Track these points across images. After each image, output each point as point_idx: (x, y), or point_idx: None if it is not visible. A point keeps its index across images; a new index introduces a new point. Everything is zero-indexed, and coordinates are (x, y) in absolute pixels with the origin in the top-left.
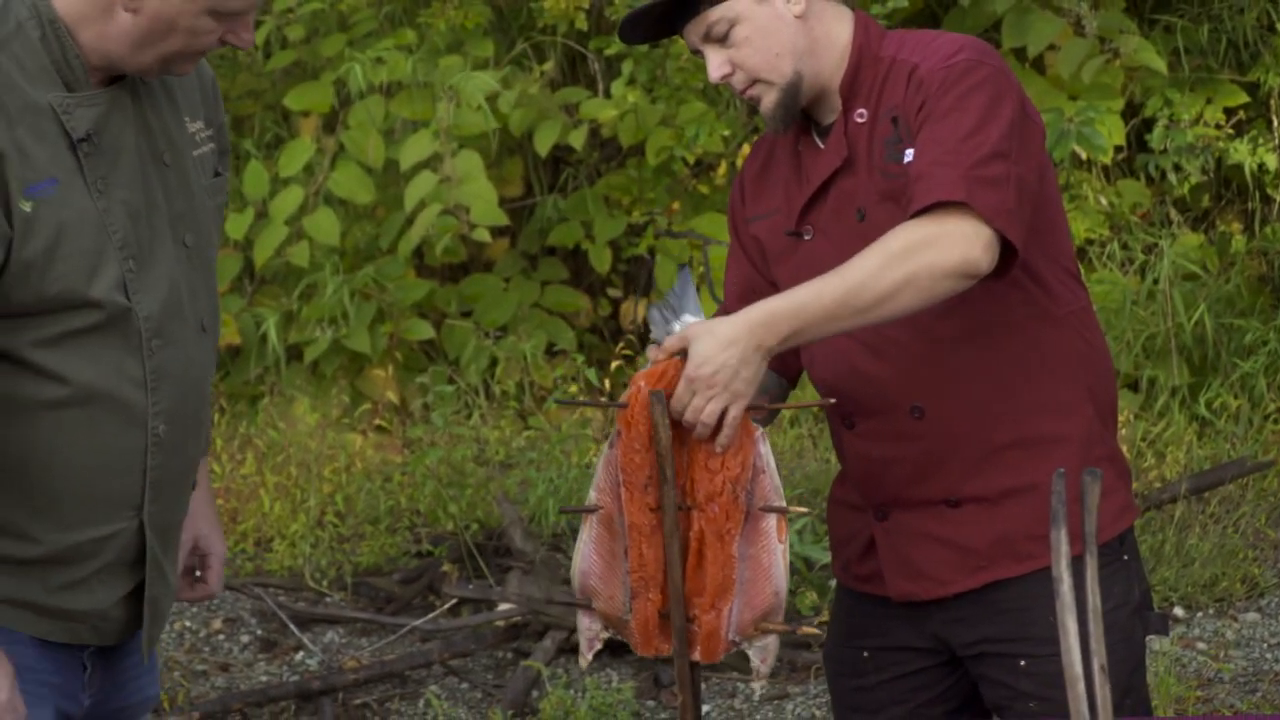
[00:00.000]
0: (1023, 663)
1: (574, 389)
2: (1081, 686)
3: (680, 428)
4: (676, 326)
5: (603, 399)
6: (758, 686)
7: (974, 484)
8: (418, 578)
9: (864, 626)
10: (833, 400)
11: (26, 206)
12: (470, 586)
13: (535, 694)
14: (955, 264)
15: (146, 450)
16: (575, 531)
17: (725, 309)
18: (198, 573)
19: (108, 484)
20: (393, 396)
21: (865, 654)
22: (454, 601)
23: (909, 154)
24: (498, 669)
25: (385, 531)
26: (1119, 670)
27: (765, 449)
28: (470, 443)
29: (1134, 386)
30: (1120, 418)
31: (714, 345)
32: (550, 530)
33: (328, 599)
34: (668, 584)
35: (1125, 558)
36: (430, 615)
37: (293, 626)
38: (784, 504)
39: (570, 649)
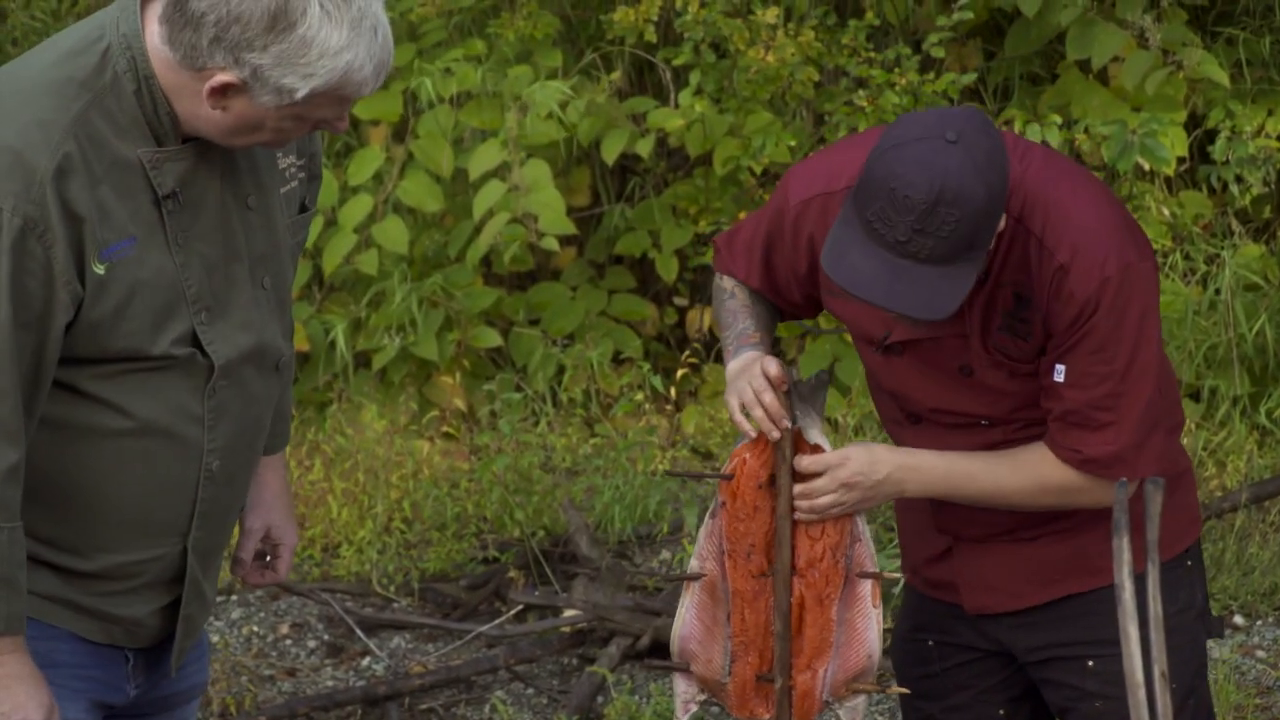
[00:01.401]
0: (1090, 663)
1: (640, 396)
2: (1142, 693)
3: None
4: (803, 406)
5: (708, 470)
6: None
7: (1043, 514)
8: (484, 584)
9: (930, 622)
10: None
11: (100, 269)
12: (536, 593)
13: (600, 700)
14: (1093, 503)
15: (199, 484)
16: (641, 539)
17: (730, 267)
18: (268, 558)
19: (159, 513)
20: (460, 403)
21: (930, 643)
22: (520, 607)
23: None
24: (563, 675)
25: (452, 538)
26: (1183, 673)
27: (861, 519)
28: (537, 450)
29: (1195, 396)
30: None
31: (873, 467)
32: (616, 537)
33: (394, 604)
34: (768, 646)
35: (1189, 563)
36: (496, 621)
37: (359, 632)
38: (879, 570)
39: (635, 655)
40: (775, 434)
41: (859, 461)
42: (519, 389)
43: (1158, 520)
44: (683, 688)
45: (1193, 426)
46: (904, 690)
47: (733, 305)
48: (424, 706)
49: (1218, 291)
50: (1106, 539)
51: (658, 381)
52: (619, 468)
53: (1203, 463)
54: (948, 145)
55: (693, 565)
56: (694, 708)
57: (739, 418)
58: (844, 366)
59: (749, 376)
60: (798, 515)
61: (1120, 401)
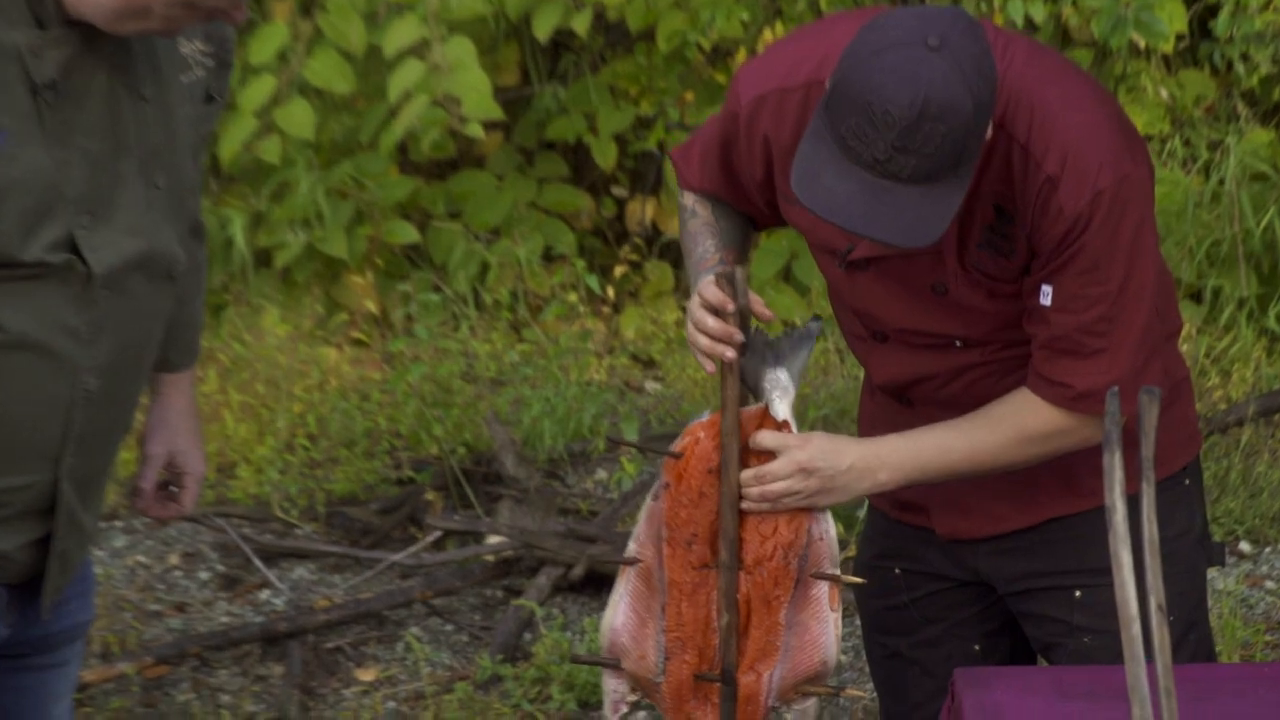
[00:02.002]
0: (1078, 594)
1: (573, 298)
2: (1137, 627)
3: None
4: (774, 373)
5: (652, 444)
6: None
7: None
8: (397, 507)
9: (897, 548)
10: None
11: None
12: (456, 517)
13: (527, 637)
14: (1082, 444)
15: (74, 405)
16: (575, 457)
17: (687, 178)
18: (172, 489)
19: (27, 436)
20: (372, 306)
21: (897, 571)
22: (438, 534)
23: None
24: (486, 609)
25: (362, 456)
26: (1182, 605)
27: (826, 516)
28: (457, 357)
29: (1196, 297)
30: (1181, 332)
31: (837, 455)
32: (546, 455)
33: (297, 531)
34: (708, 644)
35: (1188, 483)
36: (411, 549)
37: (257, 562)
38: (838, 572)
39: (567, 586)
40: (708, 367)
41: (821, 447)
42: (438, 290)
43: (1153, 435)
44: (613, 685)
45: (1193, 331)
46: (859, 694)
47: (694, 226)
48: (330, 645)
49: (1221, 181)
50: (1096, 456)
51: (593, 281)
52: (549, 377)
53: (1204, 371)
54: (930, 53)
55: (630, 549)
56: (625, 709)
57: (699, 359)
58: (802, 264)
59: (692, 305)
60: (745, 504)
61: (1114, 326)
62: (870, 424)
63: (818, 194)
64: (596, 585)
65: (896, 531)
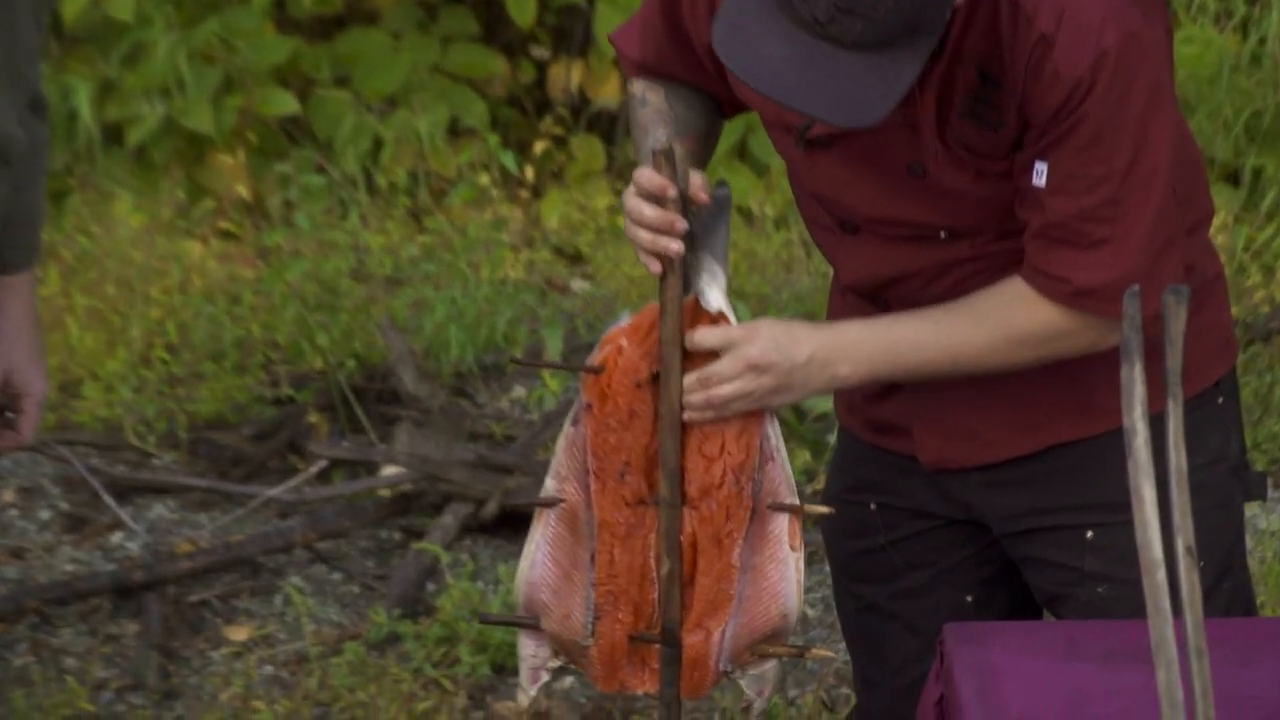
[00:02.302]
0: (1090, 534)
1: (485, 179)
2: (1161, 574)
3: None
4: (695, 257)
5: (567, 362)
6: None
7: None
8: (274, 433)
9: (872, 479)
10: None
11: None
12: (344, 444)
13: (430, 588)
14: (1083, 349)
15: None
16: (486, 371)
17: (629, 56)
18: (9, 414)
19: None
20: (243, 191)
21: (872, 507)
22: (323, 464)
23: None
24: (380, 554)
25: (231, 371)
26: (1215, 545)
27: (774, 430)
28: (346, 252)
29: (1233, 179)
30: (1215, 220)
31: (792, 345)
32: (452, 369)
33: (155, 461)
34: (645, 598)
35: (1221, 400)
36: (291, 483)
37: (108, 498)
38: (797, 500)
39: (479, 527)
40: (654, 267)
41: (772, 337)
42: (322, 171)
43: (1180, 343)
44: (530, 650)
45: (1229, 220)
46: (827, 654)
47: (645, 115)
48: (194, 598)
49: (1262, 41)
50: (1111, 368)
51: (509, 159)
52: (456, 275)
53: (1243, 268)
54: None
55: (548, 487)
56: (545, 676)
57: (642, 259)
58: (758, 138)
59: (628, 195)
60: (688, 414)
61: (1121, 211)
62: None
63: (743, 55)
64: (513, 525)
65: (872, 459)
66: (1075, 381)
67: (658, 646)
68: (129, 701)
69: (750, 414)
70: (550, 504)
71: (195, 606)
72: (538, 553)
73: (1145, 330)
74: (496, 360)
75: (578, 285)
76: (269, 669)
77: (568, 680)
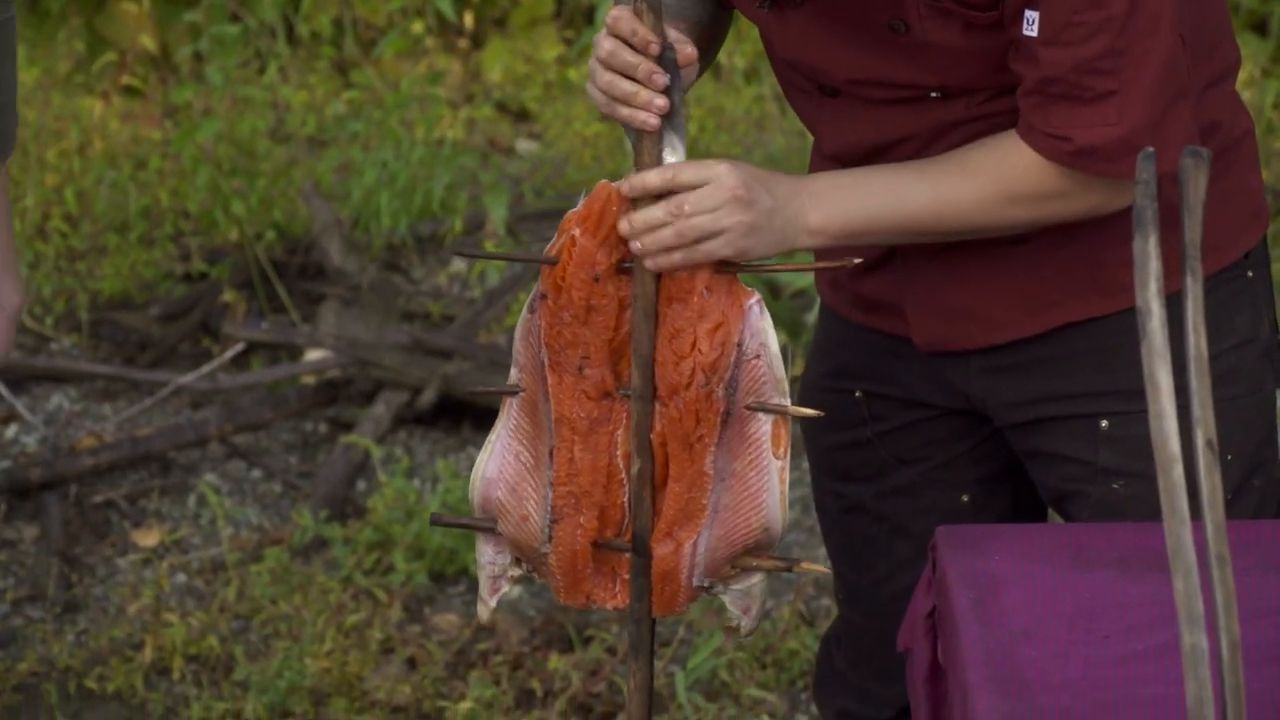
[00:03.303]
0: (1104, 424)
1: (418, 28)
2: (1179, 471)
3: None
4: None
5: (517, 252)
6: (730, 642)
7: None
8: (185, 313)
9: (858, 363)
10: (857, 261)
11: None
12: (264, 326)
13: (361, 486)
14: (1084, 213)
15: None
16: (422, 243)
17: None
18: None
19: None
20: (148, 42)
21: (857, 394)
22: (240, 348)
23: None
24: (305, 449)
25: (137, 244)
26: (1244, 438)
27: (763, 322)
28: (264, 110)
29: (1260, 28)
30: (1242, 74)
31: (774, 186)
32: (383, 241)
33: (52, 345)
34: (612, 501)
35: (1250, 275)
36: (204, 369)
37: (1, 387)
38: (785, 401)
39: (415, 418)
40: (650, 119)
41: (752, 172)
42: (236, 19)
43: (1200, 212)
44: (489, 557)
45: (1256, 73)
46: (817, 569)
47: None
48: (98, 499)
49: None
50: (1126, 239)
51: (446, 4)
52: (387, 135)
53: (1272, 127)
54: None
55: (511, 375)
56: (506, 586)
57: (621, 114)
58: None
59: (599, 42)
60: (649, 261)
61: (1123, 61)
62: None
63: None
64: (453, 415)
65: (857, 341)
66: (1089, 253)
67: (628, 556)
68: (26, 614)
69: (728, 304)
70: (511, 392)
71: (99, 508)
72: (497, 443)
73: (1160, 196)
74: (433, 231)
75: (523, 146)
76: (181, 578)
77: (515, 591)
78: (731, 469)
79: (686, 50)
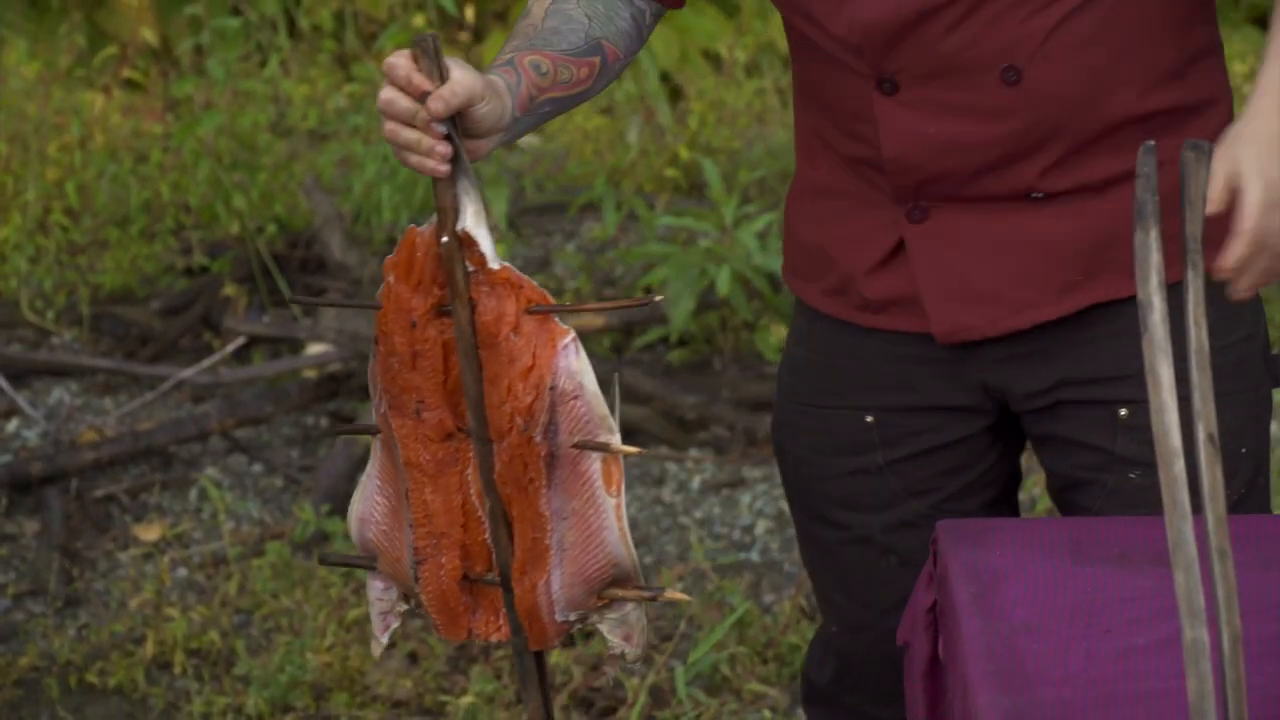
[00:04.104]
0: (1123, 412)
1: (419, 21)
2: (1180, 465)
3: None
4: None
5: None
6: (613, 672)
7: (1072, 171)
8: (187, 307)
9: (870, 377)
10: (657, 298)
11: None
12: (265, 320)
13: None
14: None
15: None
16: None
17: None
18: None
19: None
20: (149, 36)
21: (869, 419)
22: (241, 342)
23: None
24: (306, 443)
25: (139, 238)
26: (1256, 433)
27: (576, 362)
28: (265, 104)
29: (1261, 21)
30: (1242, 66)
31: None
32: (384, 233)
33: (54, 340)
34: (473, 539)
35: None
36: (205, 363)
37: (2, 381)
38: (611, 438)
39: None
40: (439, 166)
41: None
42: (237, 13)
43: (1201, 204)
44: (378, 593)
45: (1259, 65)
46: (682, 597)
47: (518, 26)
48: (99, 493)
49: None
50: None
51: None
52: None
53: None
54: None
55: (374, 415)
56: (396, 622)
57: (410, 161)
58: None
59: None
60: (1259, 286)
61: None
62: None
63: None
64: None
65: (865, 350)
66: (1110, 234)
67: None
68: (27, 609)
69: (540, 349)
70: (367, 431)
71: (100, 502)
72: (368, 484)
73: (1165, 177)
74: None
75: (525, 139)
76: (183, 572)
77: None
78: (571, 507)
79: (449, 92)
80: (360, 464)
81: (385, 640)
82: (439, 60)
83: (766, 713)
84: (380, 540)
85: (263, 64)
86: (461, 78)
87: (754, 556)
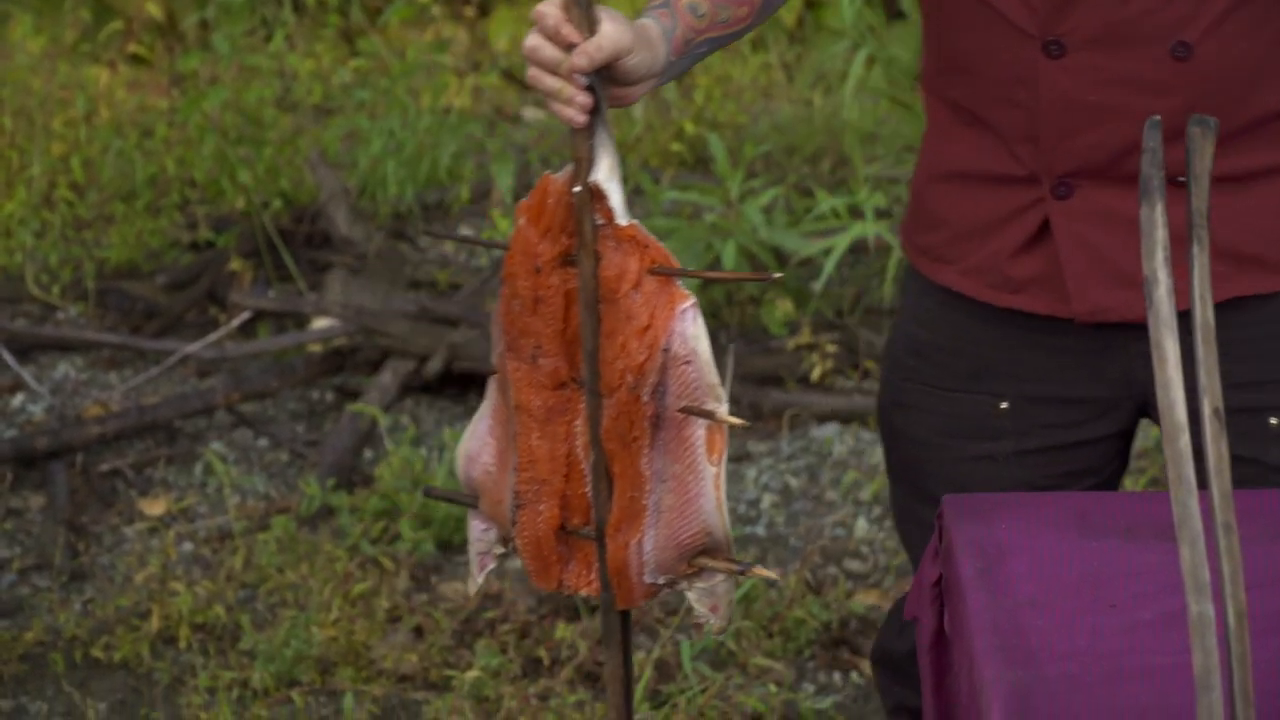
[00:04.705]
0: (1273, 421)
1: None
2: (1185, 440)
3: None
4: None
5: (480, 236)
6: (697, 639)
7: (1221, 159)
8: (192, 281)
9: (1006, 364)
10: (776, 276)
11: None
12: (270, 294)
13: (368, 455)
14: None
15: None
16: (429, 212)
17: None
18: None
19: None
20: (154, 10)
21: (1004, 405)
22: (246, 316)
23: None
24: (312, 417)
25: (144, 213)
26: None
27: (692, 327)
28: (270, 78)
29: None
30: None
31: None
32: (390, 208)
33: (59, 314)
34: (574, 490)
35: None
36: (211, 337)
37: (7, 356)
38: (720, 405)
39: (421, 386)
40: (577, 116)
41: None
42: None
43: (1206, 180)
44: (477, 533)
45: None
46: (769, 574)
47: None
48: (105, 467)
49: None
50: None
51: None
52: (394, 104)
53: None
54: None
55: (494, 355)
56: (492, 563)
57: (553, 108)
58: None
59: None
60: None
61: None
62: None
63: None
64: (460, 383)
65: (1000, 332)
66: (1263, 226)
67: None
68: (33, 584)
69: (659, 310)
70: (492, 372)
71: (106, 477)
72: (480, 424)
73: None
74: (440, 199)
75: (530, 114)
76: (188, 546)
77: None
78: (671, 471)
79: (594, 47)
80: (365, 439)
81: (481, 580)
82: (589, 11)
83: (772, 686)
84: (485, 480)
85: (268, 39)
86: (610, 31)
87: (759, 531)
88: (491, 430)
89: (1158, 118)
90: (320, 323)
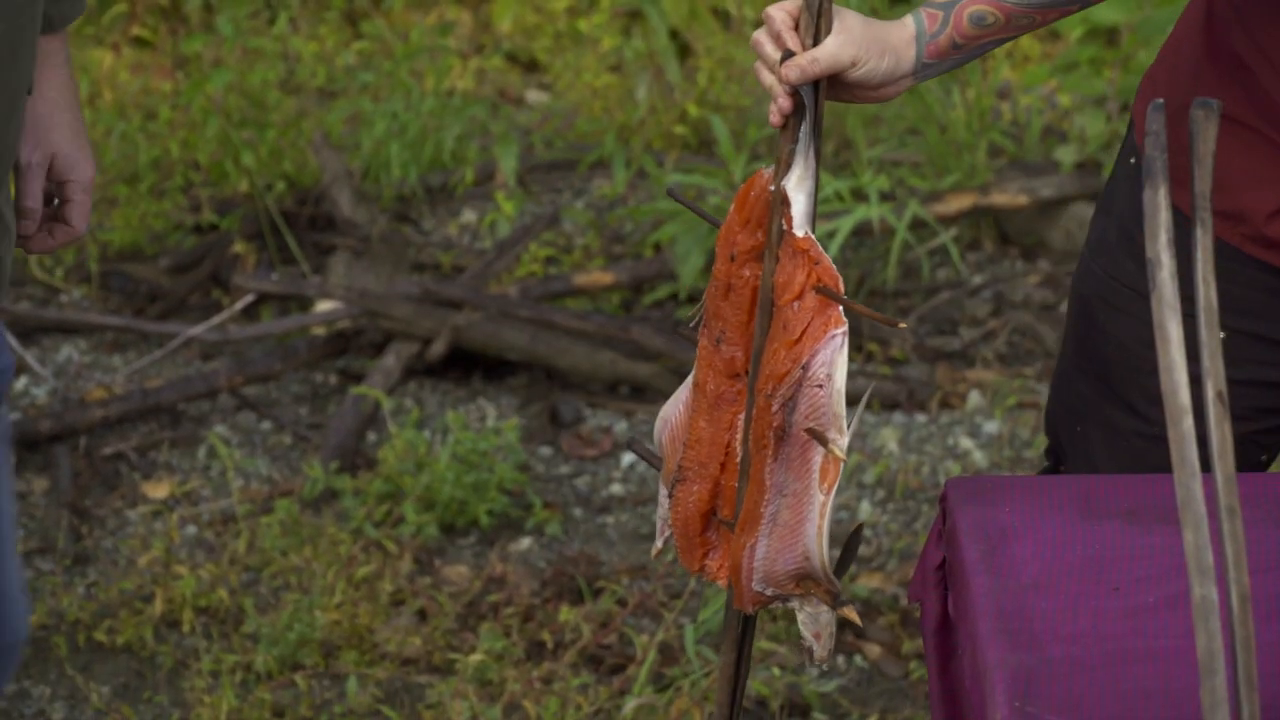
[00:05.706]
0: None
1: None
2: (1188, 422)
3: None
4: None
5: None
6: (807, 662)
7: None
8: (195, 264)
9: (1237, 296)
10: (901, 325)
11: None
12: (274, 277)
13: (372, 437)
14: None
15: None
16: (433, 195)
17: None
18: (55, 201)
19: None
20: None
21: (1222, 334)
22: (250, 299)
23: None
24: (315, 400)
25: (147, 195)
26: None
27: (835, 356)
28: (274, 61)
29: None
30: None
31: None
32: (394, 191)
33: (62, 297)
34: (728, 478)
35: None
36: (214, 320)
37: (10, 339)
38: (837, 438)
39: (425, 369)
40: (773, 116)
41: None
42: None
43: (1210, 163)
44: (662, 497)
45: None
46: (855, 619)
47: None
48: (108, 451)
49: None
50: None
51: None
52: (397, 86)
53: None
54: None
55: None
56: (669, 531)
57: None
58: None
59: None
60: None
61: None
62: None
63: None
64: (463, 366)
65: (1241, 274)
66: None
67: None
68: (37, 567)
69: (813, 328)
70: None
71: (109, 460)
72: (682, 391)
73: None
74: (443, 182)
75: (534, 97)
76: (192, 530)
77: (524, 542)
78: (792, 488)
79: (808, 60)
80: (369, 422)
81: (659, 544)
82: (818, 20)
83: (776, 670)
84: (668, 446)
85: (272, 21)
86: (830, 45)
87: None
88: (687, 401)
89: (1161, 101)
90: (324, 305)
